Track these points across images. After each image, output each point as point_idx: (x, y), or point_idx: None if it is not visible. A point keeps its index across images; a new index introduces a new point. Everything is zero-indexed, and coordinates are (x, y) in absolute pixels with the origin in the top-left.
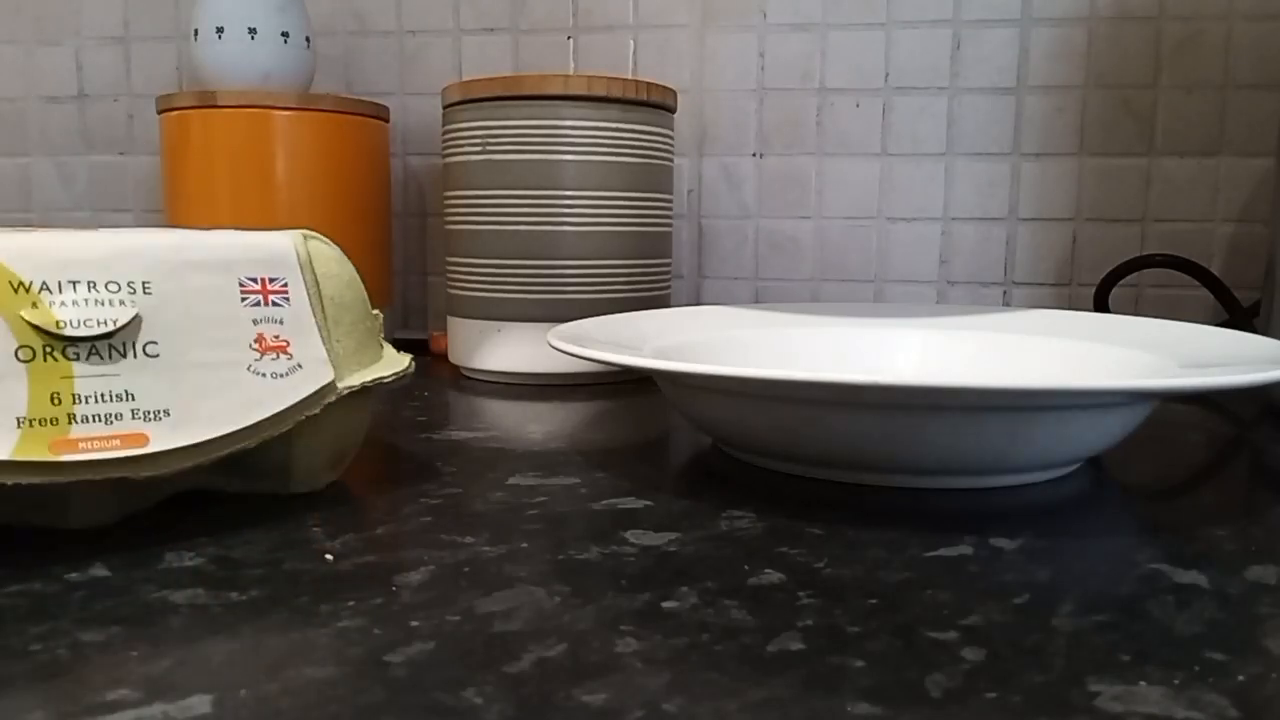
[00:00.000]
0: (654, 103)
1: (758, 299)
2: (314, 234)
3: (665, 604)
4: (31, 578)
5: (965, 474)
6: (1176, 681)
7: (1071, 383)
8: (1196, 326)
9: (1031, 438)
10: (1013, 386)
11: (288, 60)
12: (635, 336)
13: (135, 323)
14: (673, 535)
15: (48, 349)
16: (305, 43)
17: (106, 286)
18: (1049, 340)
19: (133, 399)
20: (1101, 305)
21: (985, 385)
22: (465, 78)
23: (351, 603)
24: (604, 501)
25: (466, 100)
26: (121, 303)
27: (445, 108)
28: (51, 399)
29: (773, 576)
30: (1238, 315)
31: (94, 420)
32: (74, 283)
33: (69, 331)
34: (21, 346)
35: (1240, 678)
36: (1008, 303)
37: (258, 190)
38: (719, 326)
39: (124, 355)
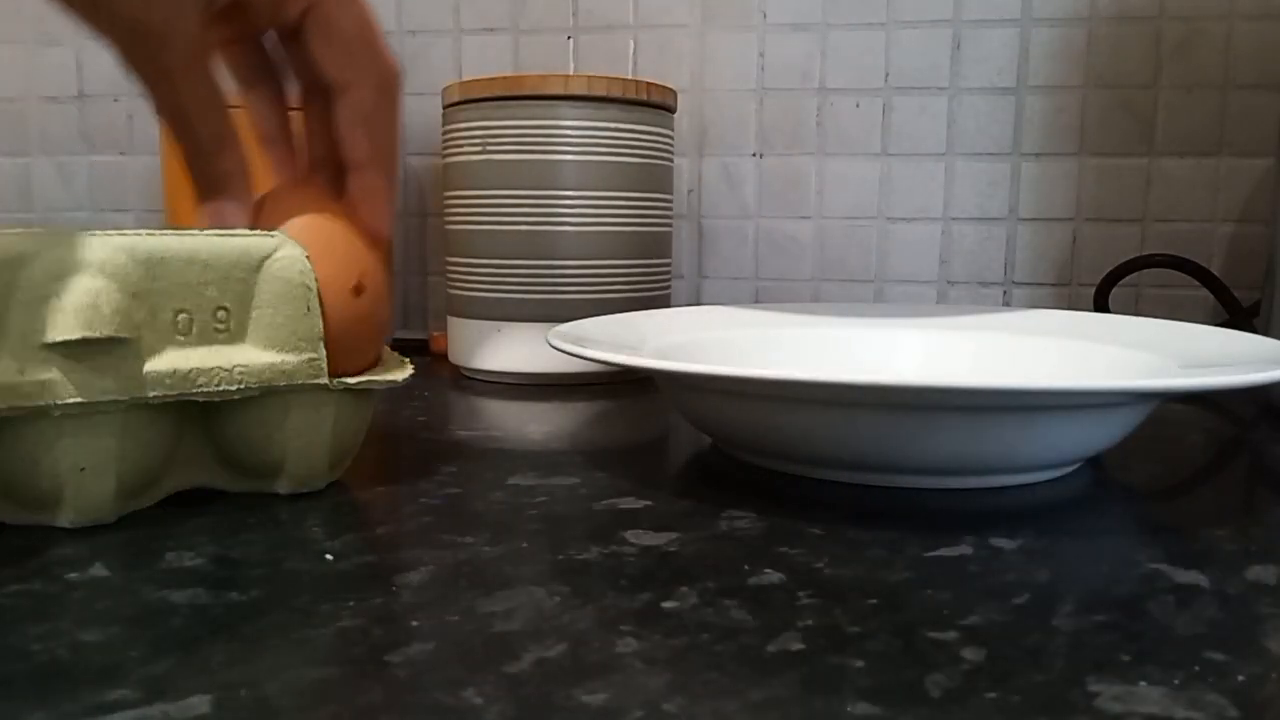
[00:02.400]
0: (654, 103)
1: (758, 299)
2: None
3: (665, 604)
4: (31, 578)
5: (965, 474)
6: (1176, 682)
7: (1071, 383)
8: (1196, 326)
9: (1032, 438)
10: (1013, 387)
11: None
12: (635, 336)
13: None
14: (673, 535)
15: None
16: None
17: None
18: (1049, 340)
19: None
20: (1101, 305)
21: (985, 385)
22: (465, 78)
23: (351, 603)
24: (604, 501)
25: (466, 100)
26: None
27: (445, 108)
28: None
29: (772, 576)
30: (1238, 315)
31: None
32: None
33: None
34: None
35: (1240, 678)
36: (1008, 303)
37: (258, 190)
38: (719, 326)
39: None
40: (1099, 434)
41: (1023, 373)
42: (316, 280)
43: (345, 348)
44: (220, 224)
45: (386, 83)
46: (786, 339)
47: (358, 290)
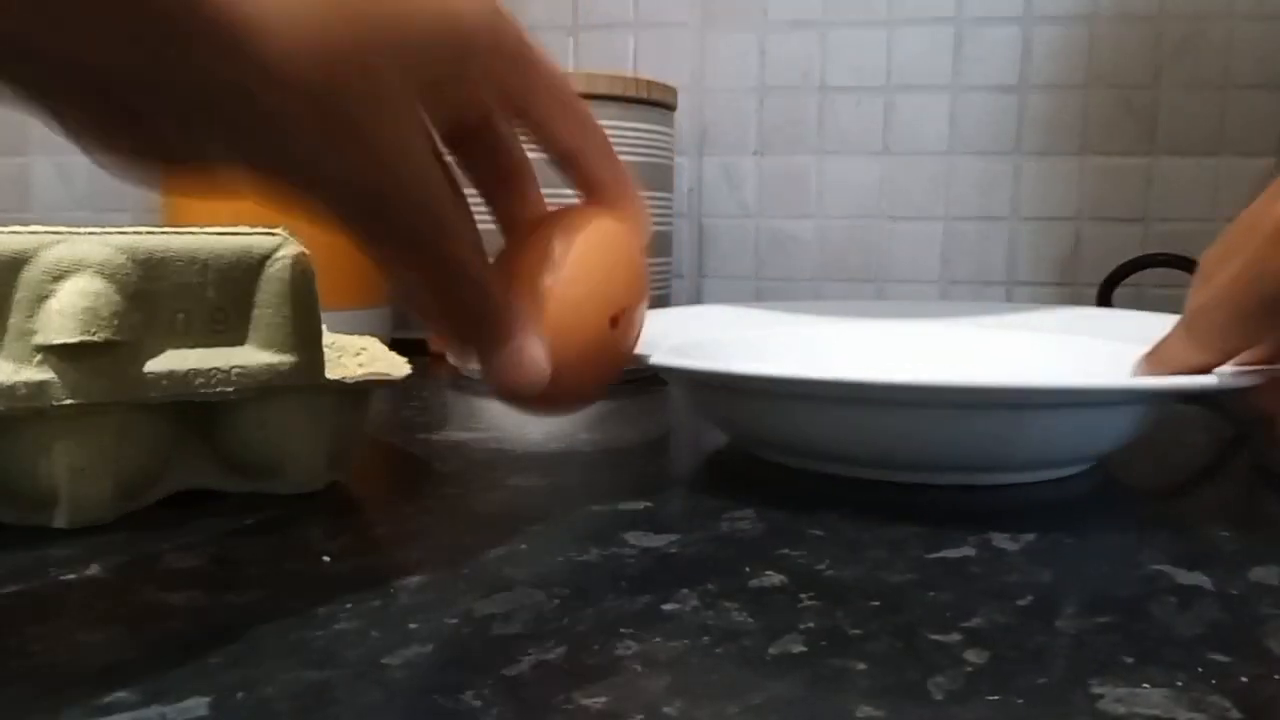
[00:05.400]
0: (654, 101)
1: (758, 298)
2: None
3: (665, 606)
4: (31, 578)
5: (973, 470)
6: (1179, 683)
7: (1084, 381)
8: None
9: (1049, 434)
10: (1044, 385)
11: None
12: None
13: None
14: (673, 536)
15: None
16: None
17: None
18: (1069, 338)
19: None
20: (1104, 305)
21: (1022, 384)
22: None
23: (350, 604)
24: (604, 502)
25: None
26: None
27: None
28: None
29: (774, 578)
30: None
31: None
32: None
33: None
34: None
35: (1243, 679)
36: (1009, 302)
37: None
38: (726, 325)
39: None
40: (1109, 432)
41: (1048, 371)
42: (317, 283)
43: (577, 375)
44: (537, 366)
45: (600, 128)
46: (798, 337)
47: (613, 323)
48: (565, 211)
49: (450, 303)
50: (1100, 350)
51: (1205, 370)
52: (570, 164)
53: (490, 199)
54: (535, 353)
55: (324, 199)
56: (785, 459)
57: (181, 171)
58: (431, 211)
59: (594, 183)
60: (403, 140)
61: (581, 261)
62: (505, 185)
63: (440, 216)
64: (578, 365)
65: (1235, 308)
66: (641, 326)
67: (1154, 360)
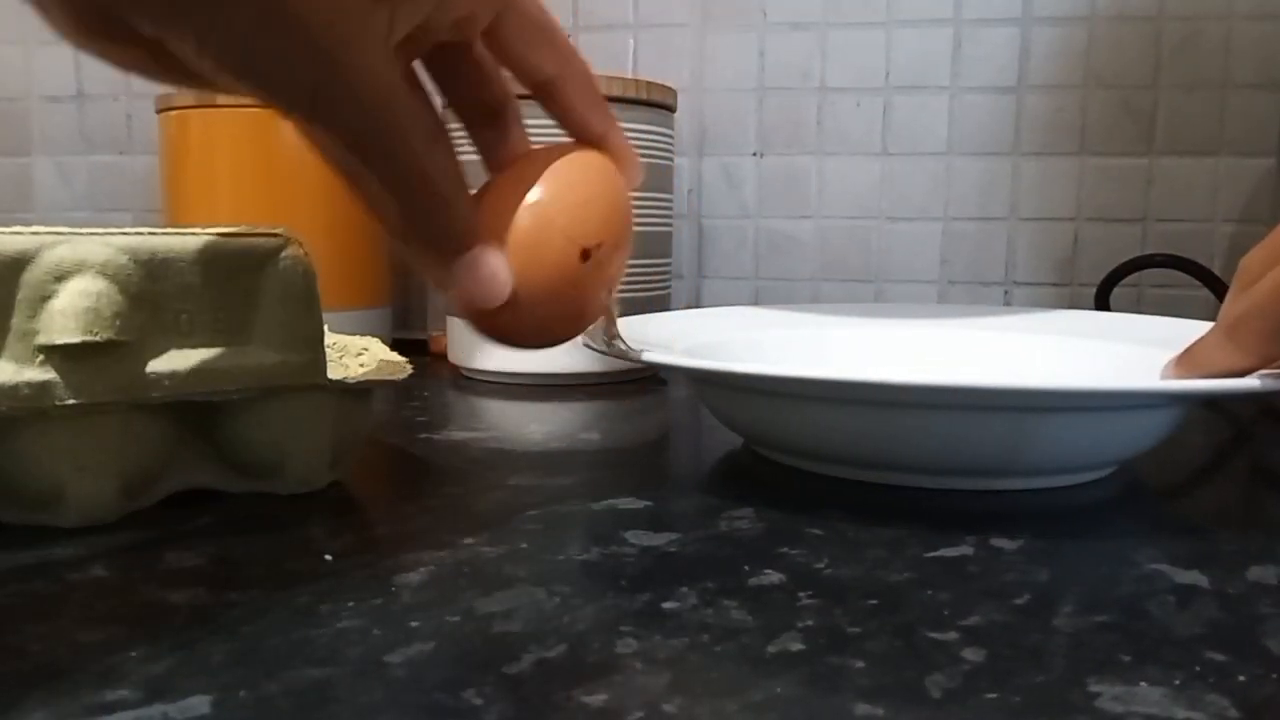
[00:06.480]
0: (654, 102)
1: (757, 299)
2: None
3: (665, 604)
4: (34, 577)
5: (984, 476)
6: (1177, 682)
7: (1129, 383)
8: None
9: (1073, 438)
10: (1084, 389)
11: None
12: (664, 337)
13: None
14: (672, 535)
15: None
16: None
17: None
18: (1073, 340)
19: None
20: (1103, 305)
21: (1061, 387)
22: None
23: (351, 603)
24: (604, 501)
25: None
26: None
27: (445, 107)
28: None
29: (773, 577)
30: None
31: None
32: None
33: None
34: None
35: (1241, 678)
36: (1008, 302)
37: (257, 190)
38: (729, 327)
39: None
40: (1139, 435)
41: (1057, 374)
42: (319, 283)
43: (542, 303)
44: (497, 279)
45: (584, 62)
46: (809, 339)
47: (584, 255)
48: (547, 147)
49: (407, 207)
50: (1107, 353)
51: (1242, 374)
52: (549, 95)
53: (473, 133)
54: (495, 264)
55: (262, 85)
56: (799, 462)
57: (126, 44)
58: (382, 114)
59: (575, 117)
60: (354, 41)
61: (553, 187)
62: (487, 118)
63: (393, 120)
64: (543, 293)
65: None
66: (620, 269)
67: (1187, 363)
